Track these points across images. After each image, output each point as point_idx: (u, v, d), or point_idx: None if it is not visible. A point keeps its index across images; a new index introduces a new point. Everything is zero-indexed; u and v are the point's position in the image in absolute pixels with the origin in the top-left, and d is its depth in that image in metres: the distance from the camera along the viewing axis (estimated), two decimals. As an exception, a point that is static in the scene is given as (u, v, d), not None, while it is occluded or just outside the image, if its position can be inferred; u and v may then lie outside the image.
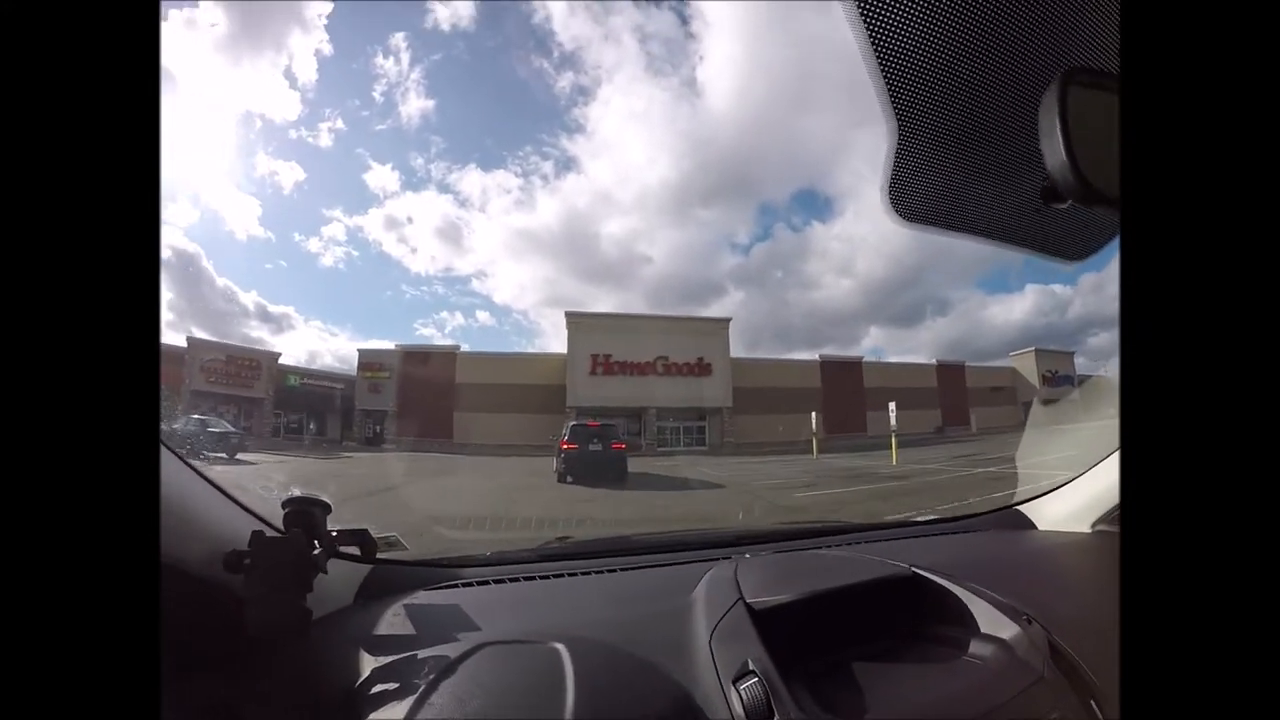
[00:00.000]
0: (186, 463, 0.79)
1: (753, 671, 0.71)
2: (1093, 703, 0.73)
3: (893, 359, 39.36)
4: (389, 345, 33.06)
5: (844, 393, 33.82)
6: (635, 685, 0.73)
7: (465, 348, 32.76)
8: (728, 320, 32.35)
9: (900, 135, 0.54)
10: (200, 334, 29.99)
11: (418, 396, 30.31)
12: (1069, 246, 0.66)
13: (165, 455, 0.69)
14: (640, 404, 28.77)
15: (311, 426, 33.81)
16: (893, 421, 17.00)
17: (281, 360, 31.65)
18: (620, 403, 28.29)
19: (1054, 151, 0.45)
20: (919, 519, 1.84)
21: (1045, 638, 0.80)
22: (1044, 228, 0.64)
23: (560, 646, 0.75)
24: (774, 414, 30.76)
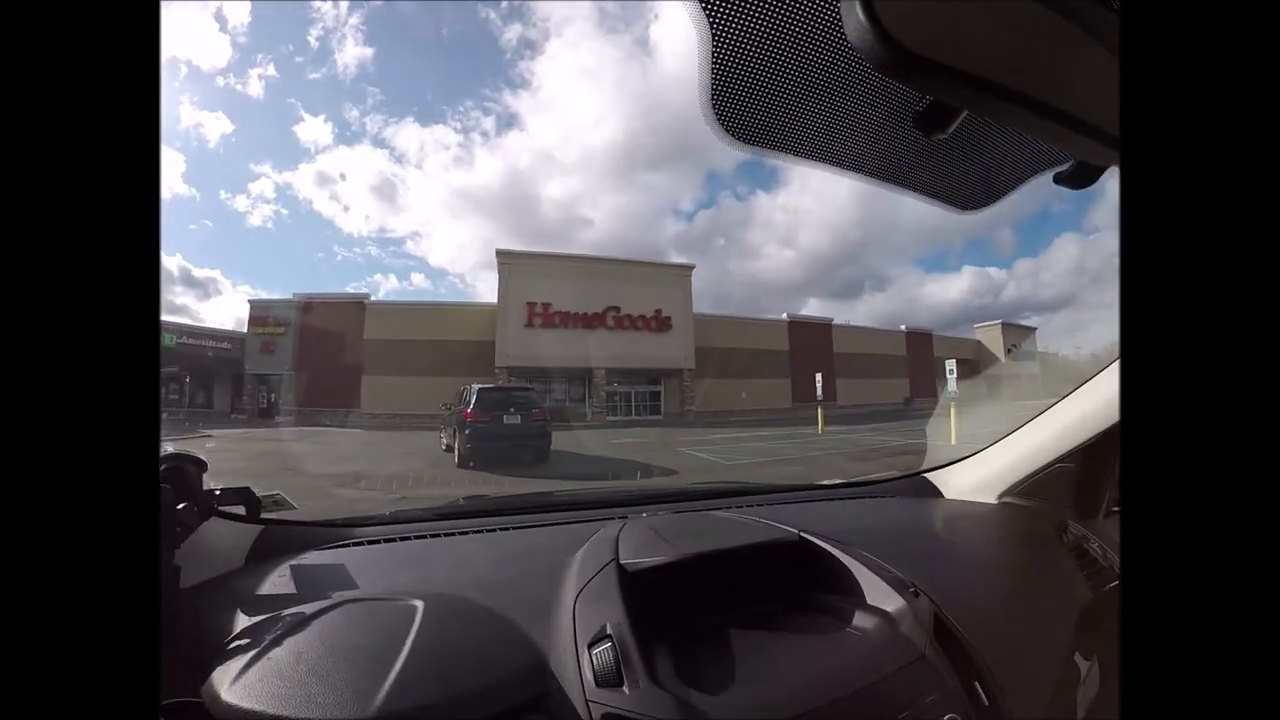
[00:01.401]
0: None
1: (608, 635, 0.70)
2: (976, 684, 0.72)
3: (856, 323, 35.81)
4: (287, 296, 27.49)
5: (812, 357, 30.32)
6: (487, 644, 0.72)
7: (375, 297, 27.51)
8: (690, 268, 27.89)
9: (714, 36, 0.43)
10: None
11: (319, 357, 25.36)
12: (957, 192, 0.58)
13: None
14: (586, 364, 24.16)
15: (200, 396, 28.55)
16: (952, 386, 12.10)
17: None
18: (562, 361, 23.69)
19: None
20: (826, 483, 1.70)
21: (931, 611, 0.79)
22: (924, 164, 0.55)
23: (417, 603, 0.74)
24: (737, 378, 27.29)
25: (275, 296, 28.16)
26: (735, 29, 0.43)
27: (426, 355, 23.53)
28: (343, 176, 56.60)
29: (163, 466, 0.81)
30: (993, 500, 1.31)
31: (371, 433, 17.47)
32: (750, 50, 0.45)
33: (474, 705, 0.64)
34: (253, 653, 0.66)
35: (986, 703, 0.72)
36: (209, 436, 13.86)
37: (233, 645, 0.70)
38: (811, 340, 31.27)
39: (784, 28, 0.43)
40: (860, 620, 0.81)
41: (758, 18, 0.42)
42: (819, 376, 19.83)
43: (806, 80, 0.47)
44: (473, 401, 9.31)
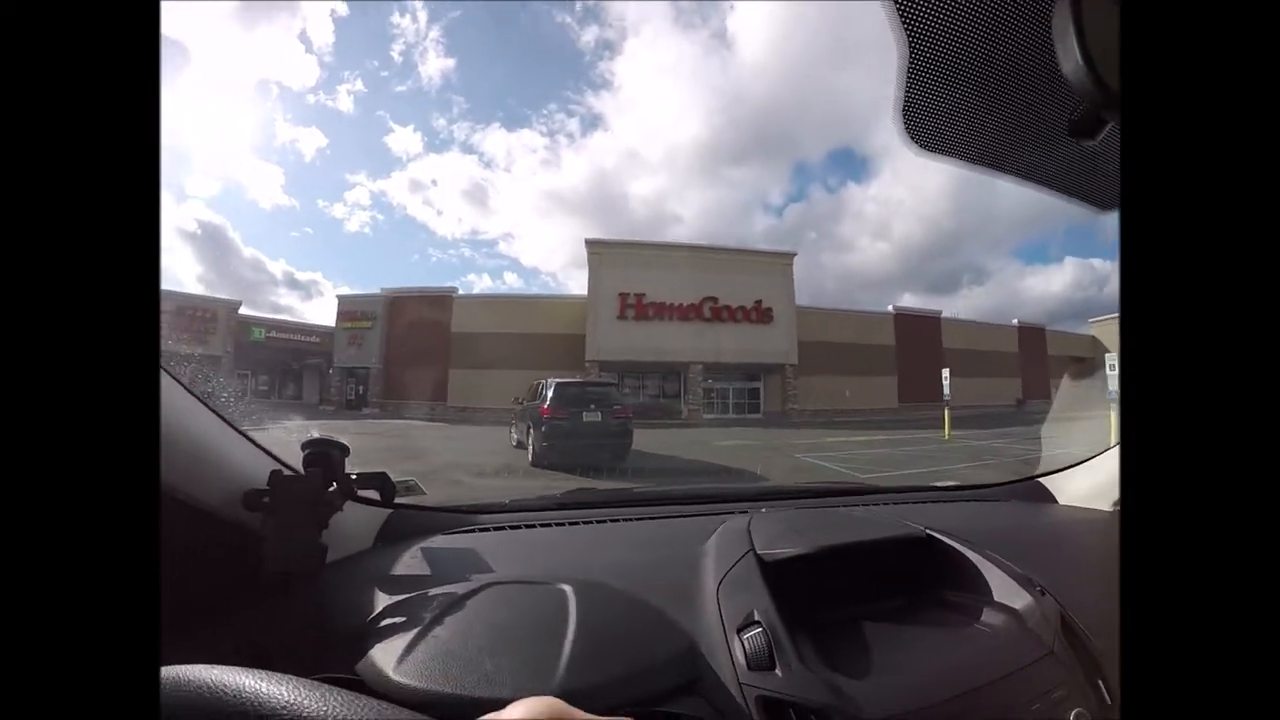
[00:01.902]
0: (207, 405, 0.80)
1: (757, 621, 0.72)
2: (1100, 682, 0.72)
3: (964, 316, 32.67)
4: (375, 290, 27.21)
5: (920, 353, 27.81)
6: (638, 628, 0.73)
7: (463, 291, 26.78)
8: (792, 255, 25.63)
9: (911, 52, 0.49)
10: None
11: (405, 350, 24.94)
12: (1103, 193, 0.61)
13: (186, 397, 0.76)
14: (681, 358, 22.50)
15: (290, 389, 28.84)
16: (1113, 385, 10.03)
17: (243, 310, 26.09)
18: (655, 355, 22.17)
19: (1073, 67, 0.39)
20: (939, 485, 1.79)
21: (1058, 611, 0.79)
22: (1075, 167, 0.59)
23: (566, 588, 0.76)
24: (840, 375, 25.19)
25: (362, 292, 27.84)
26: (930, 38, 0.47)
27: (515, 349, 22.55)
28: (434, 182, 58.35)
29: (309, 451, 0.85)
30: (1107, 508, 1.29)
31: (455, 426, 16.71)
32: (941, 59, 0.49)
33: (636, 686, 0.64)
34: (413, 632, 0.66)
35: (1109, 701, 0.70)
36: (281, 427, 13.10)
37: (383, 624, 0.70)
38: (919, 335, 28.67)
39: (973, 36, 0.47)
40: (989, 616, 0.82)
41: (952, 27, 0.47)
42: (946, 373, 17.41)
43: (986, 88, 0.51)
44: (550, 396, 8.64)
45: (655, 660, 0.68)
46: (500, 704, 0.32)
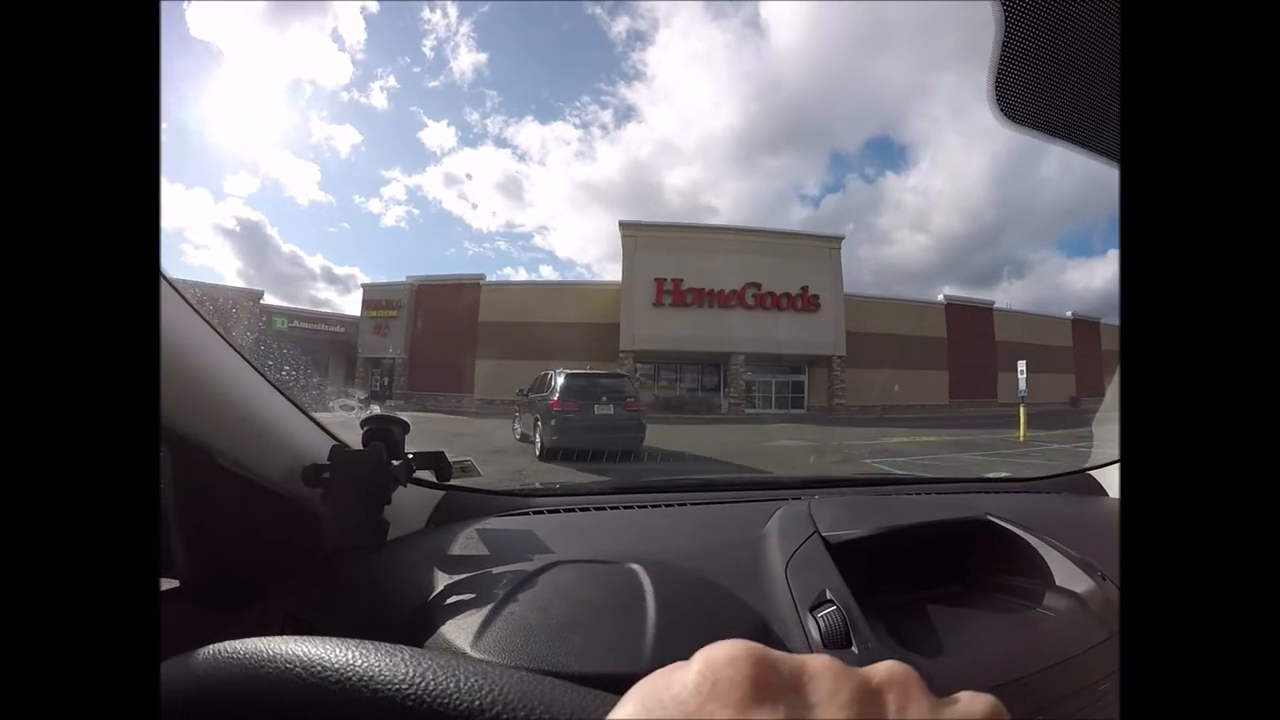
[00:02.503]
0: (270, 382, 0.81)
1: (830, 600, 0.72)
2: None
3: (1017, 308, 30.68)
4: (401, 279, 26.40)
5: (972, 346, 26.36)
6: (712, 607, 0.74)
7: (491, 278, 25.77)
8: (839, 239, 24.05)
9: (1007, 20, 0.49)
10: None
11: (431, 339, 24.20)
12: None
13: (252, 375, 0.77)
14: (721, 348, 21.12)
15: (315, 379, 28.19)
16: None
17: (265, 300, 25.46)
18: (694, 345, 20.78)
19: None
20: (989, 475, 1.76)
21: (1119, 596, 0.70)
22: None
23: (637, 567, 0.76)
24: (888, 369, 23.59)
25: (389, 280, 27.04)
26: (1027, 18, 0.49)
27: (545, 338, 21.48)
28: (469, 176, 58.30)
29: (369, 428, 0.85)
30: None
31: (477, 420, 15.95)
32: (1037, 36, 0.49)
33: None
34: (485, 608, 0.66)
35: None
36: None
37: (450, 601, 0.71)
38: (971, 326, 27.08)
39: (1070, 13, 0.48)
40: (1050, 600, 0.82)
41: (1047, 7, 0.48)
42: (1022, 366, 15.60)
43: (1083, 65, 0.51)
44: (560, 388, 8.29)
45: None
46: (594, 679, 0.30)
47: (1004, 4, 0.47)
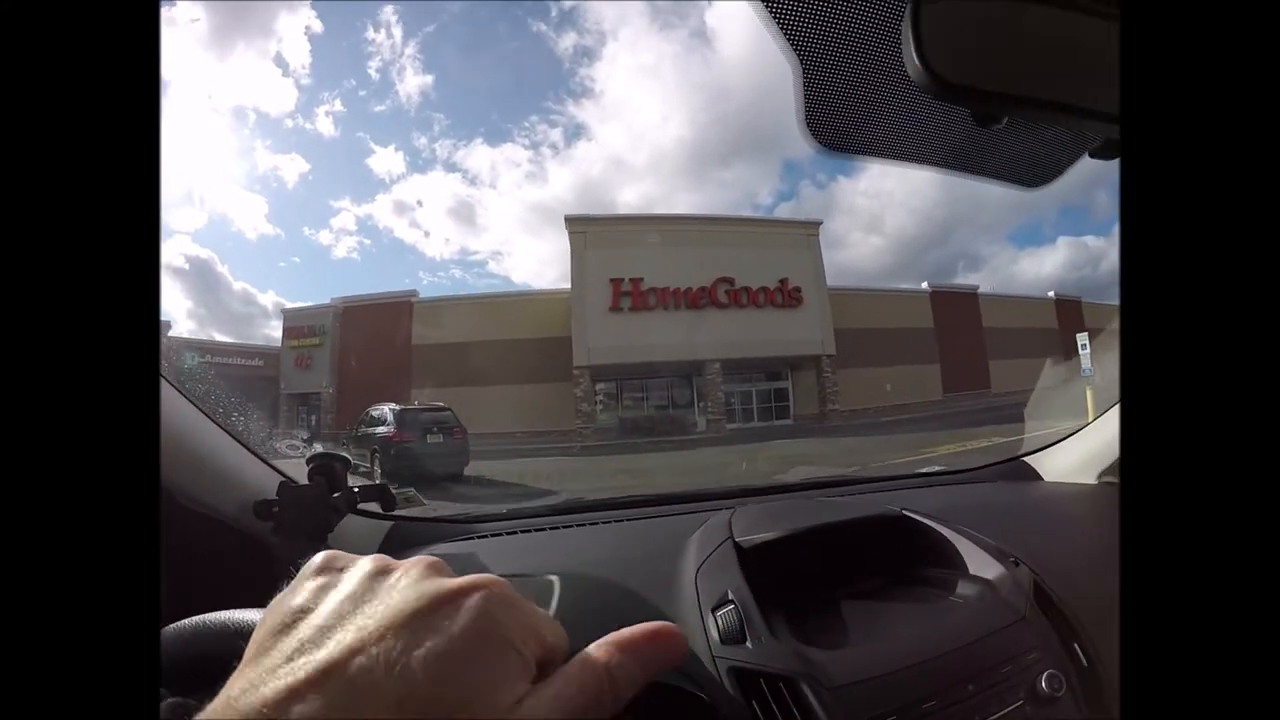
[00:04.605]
0: (217, 422, 0.88)
1: (730, 600, 0.75)
2: (1076, 645, 0.74)
3: (1000, 291, 28.77)
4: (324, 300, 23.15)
5: (960, 335, 24.41)
6: (619, 612, 0.78)
7: (424, 294, 22.65)
8: (817, 224, 21.46)
9: (804, 66, 0.54)
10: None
11: (361, 370, 20.86)
12: (1023, 172, 0.65)
13: (202, 419, 0.87)
14: (694, 355, 18.19)
15: (236, 423, 24.68)
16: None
17: (172, 333, 21.90)
18: (661, 354, 17.84)
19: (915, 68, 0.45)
20: (923, 470, 1.70)
21: (1031, 580, 0.82)
22: (993, 151, 0.63)
23: (553, 578, 0.81)
24: (878, 366, 21.37)
25: (310, 304, 23.68)
26: (820, 54, 0.52)
27: (488, 360, 18.66)
28: (419, 203, 56.31)
29: (313, 464, 0.92)
30: (1093, 480, 1.29)
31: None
32: (834, 69, 0.54)
33: None
34: None
35: (1085, 664, 0.73)
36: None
37: None
38: (958, 315, 25.07)
39: (861, 48, 0.52)
40: (962, 588, 0.84)
41: (838, 43, 0.52)
42: (1084, 339, 12.46)
43: (882, 88, 0.55)
44: (395, 422, 9.89)
45: None
46: None
47: (797, 52, 0.51)
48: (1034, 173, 0.64)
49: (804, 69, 0.52)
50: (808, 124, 0.56)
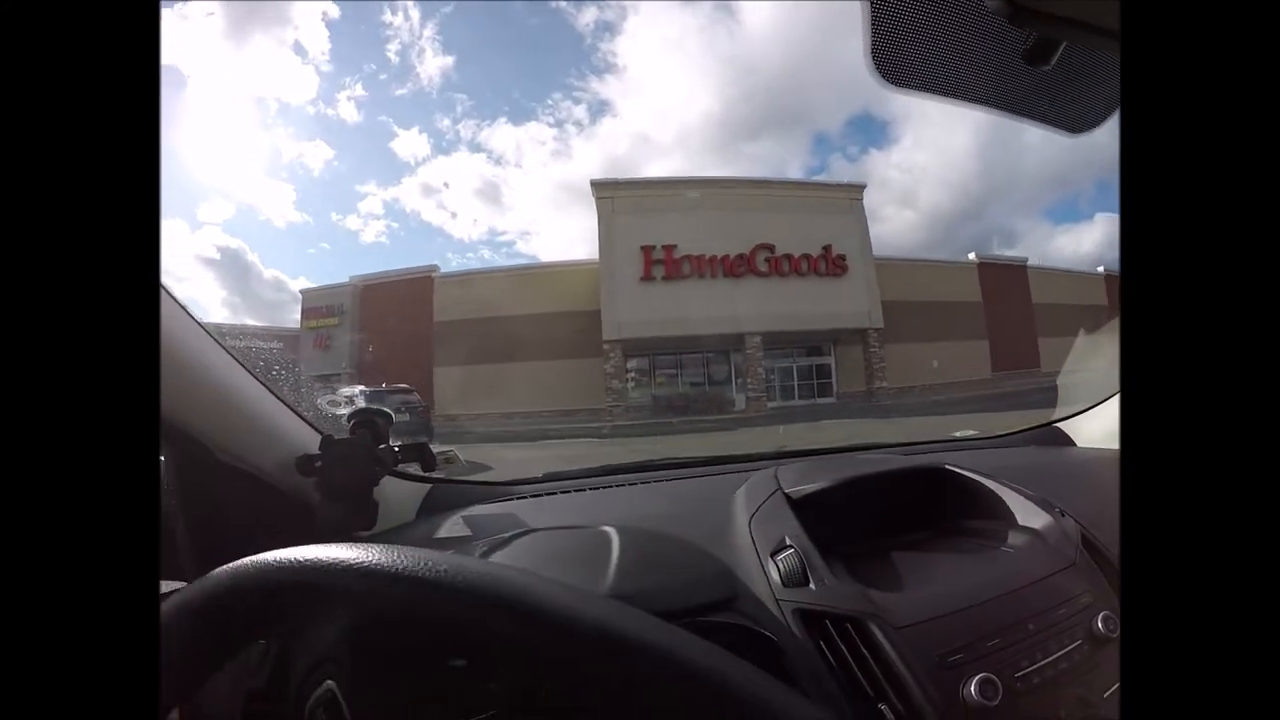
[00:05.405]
0: (261, 380, 0.87)
1: (789, 545, 0.76)
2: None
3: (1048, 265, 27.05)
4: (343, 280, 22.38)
5: (1009, 311, 22.85)
6: (679, 560, 0.78)
7: (445, 269, 21.73)
8: (861, 187, 19.95)
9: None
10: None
11: (380, 349, 20.13)
12: (1068, 116, 0.66)
13: (245, 376, 0.85)
14: (732, 328, 16.97)
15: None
16: None
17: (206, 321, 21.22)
18: (697, 327, 16.60)
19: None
20: (956, 435, 1.77)
21: (1078, 529, 0.82)
22: (1041, 94, 0.64)
23: (609, 529, 0.80)
24: (925, 342, 19.89)
25: (330, 283, 22.90)
26: None
27: (512, 336, 17.55)
28: (446, 185, 55.92)
29: (355, 420, 0.92)
30: None
31: (440, 445, 12.03)
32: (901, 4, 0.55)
33: (676, 596, 0.67)
34: None
35: None
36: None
37: None
38: (1006, 289, 23.41)
39: None
40: (1011, 538, 0.84)
41: None
42: None
43: (947, 18, 0.56)
44: (366, 403, 10.20)
45: (693, 578, 0.73)
46: None
47: None
48: (1080, 118, 0.65)
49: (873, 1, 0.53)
50: (873, 57, 0.57)
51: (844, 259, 17.98)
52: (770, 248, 17.51)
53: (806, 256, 17.79)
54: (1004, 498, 0.88)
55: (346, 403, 9.99)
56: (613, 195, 17.79)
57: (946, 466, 0.96)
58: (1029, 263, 25.59)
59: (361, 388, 11.26)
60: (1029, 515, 0.85)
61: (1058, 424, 1.45)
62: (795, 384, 18.98)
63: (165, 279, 0.70)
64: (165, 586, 0.79)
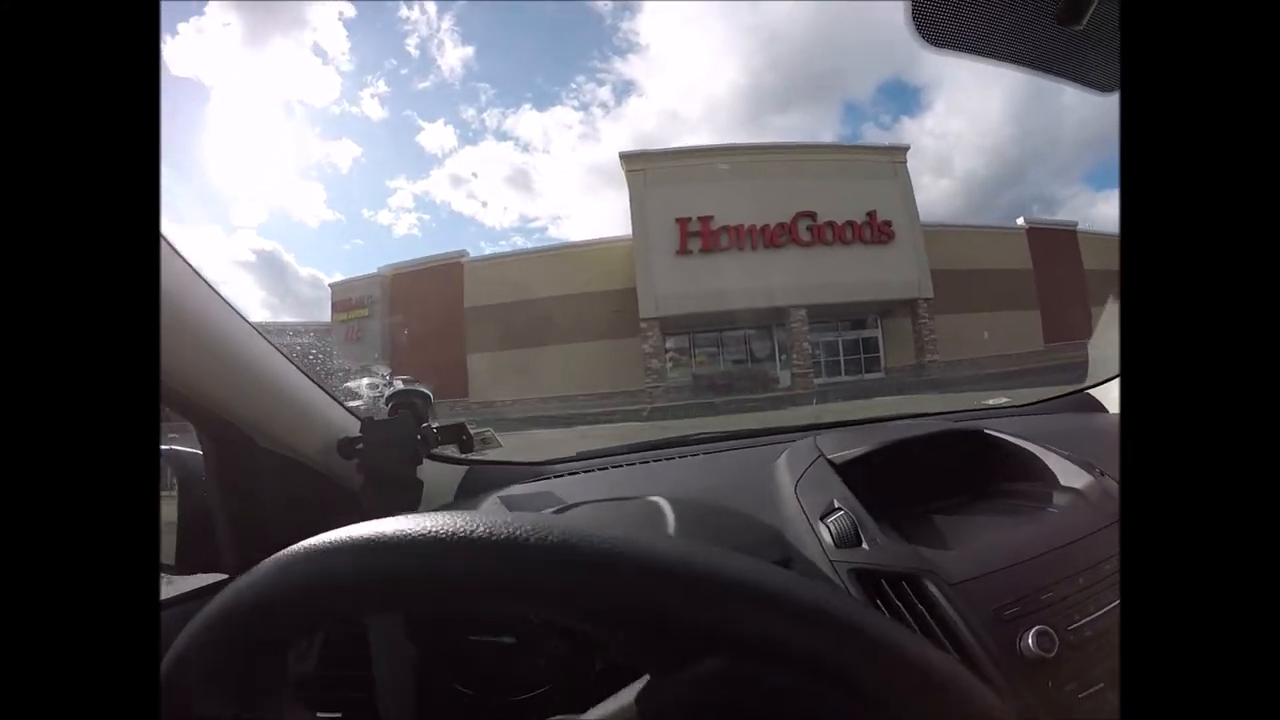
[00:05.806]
0: (298, 367, 0.86)
1: (839, 508, 0.77)
2: None
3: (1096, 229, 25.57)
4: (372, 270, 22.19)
5: (1060, 278, 21.35)
6: (733, 526, 0.80)
7: (474, 254, 21.29)
8: (905, 149, 18.93)
9: None
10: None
11: (411, 338, 19.99)
12: (1103, 74, 0.67)
13: (283, 363, 0.84)
14: (774, 301, 16.21)
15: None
16: None
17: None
18: (737, 301, 15.92)
19: None
20: (990, 403, 1.78)
21: (1119, 488, 0.83)
22: (1074, 53, 0.65)
23: (658, 499, 0.81)
24: (975, 312, 18.76)
25: (358, 275, 22.74)
26: None
27: (548, 317, 17.09)
28: (474, 175, 56.25)
29: (394, 401, 0.92)
30: None
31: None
32: None
33: None
34: None
35: None
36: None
37: None
38: (1057, 255, 22.07)
39: None
40: (1055, 498, 0.85)
41: None
42: None
43: None
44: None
45: (749, 542, 0.74)
46: None
47: None
48: (1114, 76, 0.65)
49: None
50: (913, 16, 0.58)
51: (890, 225, 17.04)
52: (812, 215, 16.64)
53: (851, 224, 16.89)
54: (1043, 459, 0.89)
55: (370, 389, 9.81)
56: (644, 168, 17.09)
57: (986, 430, 0.98)
58: (1079, 226, 24.27)
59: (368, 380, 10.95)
60: (1070, 476, 0.85)
61: (1089, 390, 1.43)
62: (841, 359, 18.17)
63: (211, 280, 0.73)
64: (206, 579, 0.78)
